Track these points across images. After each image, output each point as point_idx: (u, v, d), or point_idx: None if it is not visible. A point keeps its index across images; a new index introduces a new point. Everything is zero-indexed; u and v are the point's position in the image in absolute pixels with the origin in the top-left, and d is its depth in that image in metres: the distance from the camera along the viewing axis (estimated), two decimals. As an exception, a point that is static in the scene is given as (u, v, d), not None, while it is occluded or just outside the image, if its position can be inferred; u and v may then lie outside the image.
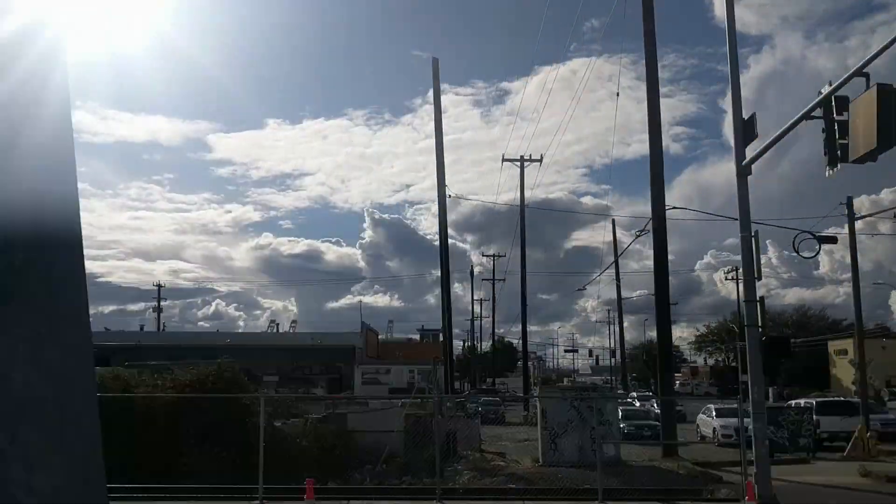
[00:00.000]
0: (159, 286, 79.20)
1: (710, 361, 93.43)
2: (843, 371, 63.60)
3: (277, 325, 75.88)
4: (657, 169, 17.95)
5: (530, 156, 46.22)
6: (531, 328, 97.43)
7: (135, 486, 14.45)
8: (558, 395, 18.31)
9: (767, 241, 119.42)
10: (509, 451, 20.47)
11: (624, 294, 78.71)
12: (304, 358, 45.04)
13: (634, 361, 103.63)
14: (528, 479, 15.35)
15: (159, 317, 78.17)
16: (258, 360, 40.90)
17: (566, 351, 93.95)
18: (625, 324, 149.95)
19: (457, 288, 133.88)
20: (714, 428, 25.51)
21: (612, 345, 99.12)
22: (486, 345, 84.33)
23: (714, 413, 26.34)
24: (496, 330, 78.67)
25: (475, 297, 77.58)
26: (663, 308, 18.58)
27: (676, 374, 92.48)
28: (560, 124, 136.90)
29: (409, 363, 42.98)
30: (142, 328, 55.05)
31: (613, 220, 52.79)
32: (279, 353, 45.06)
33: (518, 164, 45.67)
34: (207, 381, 18.96)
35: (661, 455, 18.31)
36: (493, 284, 74.33)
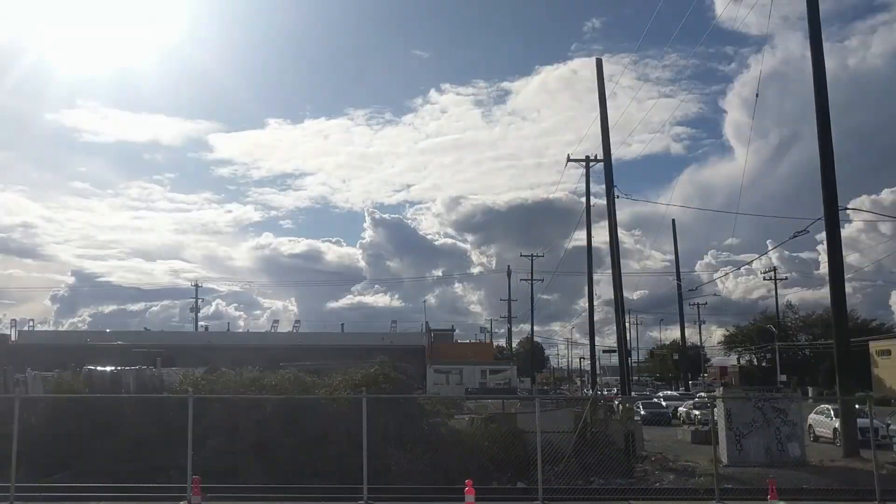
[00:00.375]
0: (197, 286, 78.83)
1: (740, 362, 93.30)
2: (886, 371, 63.88)
3: (277, 323, 76.62)
4: (829, 173, 17.99)
5: (595, 156, 46.28)
6: (528, 328, 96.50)
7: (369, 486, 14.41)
8: (742, 395, 18.43)
9: (767, 242, 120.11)
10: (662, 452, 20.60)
11: (625, 294, 78.68)
12: (369, 358, 44.87)
13: (662, 361, 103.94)
14: (739, 479, 15.37)
15: (196, 317, 77.98)
16: (320, 359, 40.80)
17: (604, 351, 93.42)
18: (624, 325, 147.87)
19: (456, 288, 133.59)
20: (835, 429, 25.51)
21: (629, 344, 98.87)
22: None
23: (833, 413, 26.33)
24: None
25: (511, 298, 77.47)
26: (840, 308, 18.62)
27: (703, 375, 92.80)
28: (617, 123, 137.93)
29: (481, 364, 42.98)
30: (206, 328, 54.81)
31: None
32: (343, 352, 44.95)
33: (583, 164, 45.70)
34: (378, 380, 18.99)
35: (843, 455, 18.37)
36: (532, 285, 74.05)
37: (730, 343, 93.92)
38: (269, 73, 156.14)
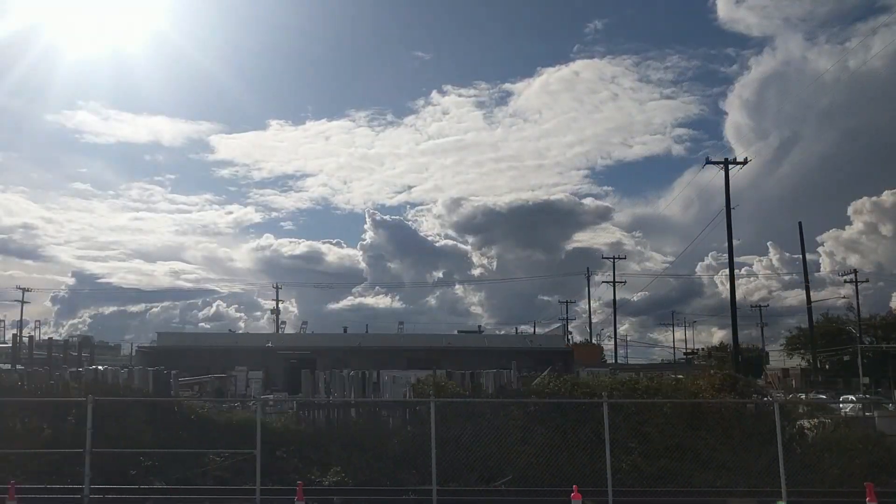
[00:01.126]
0: (277, 287, 78.60)
1: (811, 363, 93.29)
2: None
3: (284, 324, 76.74)
4: None
5: (734, 158, 46.28)
6: (530, 329, 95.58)
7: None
8: None
9: (769, 243, 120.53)
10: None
11: (624, 295, 79.04)
12: (512, 360, 44.60)
13: (721, 363, 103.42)
14: None
15: (278, 318, 77.60)
16: (478, 362, 40.52)
17: (687, 354, 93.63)
18: (624, 325, 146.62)
19: (457, 290, 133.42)
20: None
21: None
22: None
23: None
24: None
25: (581, 299, 77.36)
26: None
27: (762, 377, 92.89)
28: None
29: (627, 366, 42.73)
30: (345, 330, 54.12)
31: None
32: (488, 354, 44.67)
33: (722, 166, 45.61)
34: (738, 382, 18.85)
35: None
36: (614, 286, 74.40)
37: (792, 345, 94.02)
38: (270, 74, 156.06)
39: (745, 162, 46.00)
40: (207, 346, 45.34)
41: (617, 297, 71.81)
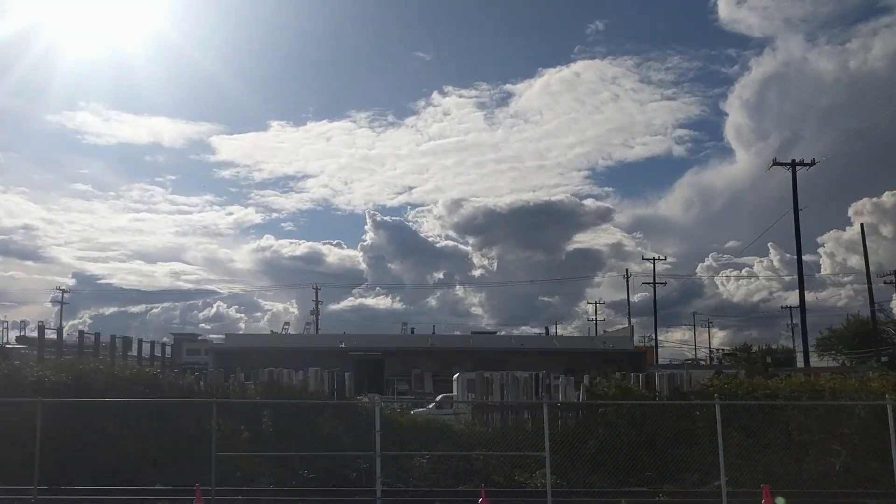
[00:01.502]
0: (317, 289, 78.61)
1: (834, 364, 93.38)
2: None
3: (288, 325, 76.80)
4: None
5: (801, 160, 46.31)
6: (532, 329, 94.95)
7: None
8: None
9: (769, 244, 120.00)
10: None
11: (625, 296, 79.27)
12: (583, 362, 44.65)
13: (752, 364, 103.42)
14: None
15: (317, 320, 77.60)
16: (548, 363, 40.52)
17: (727, 353, 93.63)
18: (625, 326, 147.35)
19: (458, 291, 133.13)
20: None
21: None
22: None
23: None
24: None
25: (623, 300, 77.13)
26: None
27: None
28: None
29: (702, 368, 42.79)
30: (412, 331, 54.08)
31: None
32: (556, 356, 44.77)
33: (790, 167, 45.64)
34: None
35: None
36: (654, 287, 74.65)
37: (823, 346, 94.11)
38: (271, 75, 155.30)
39: (812, 163, 45.99)
40: (276, 346, 45.27)
41: (617, 298, 72.10)
